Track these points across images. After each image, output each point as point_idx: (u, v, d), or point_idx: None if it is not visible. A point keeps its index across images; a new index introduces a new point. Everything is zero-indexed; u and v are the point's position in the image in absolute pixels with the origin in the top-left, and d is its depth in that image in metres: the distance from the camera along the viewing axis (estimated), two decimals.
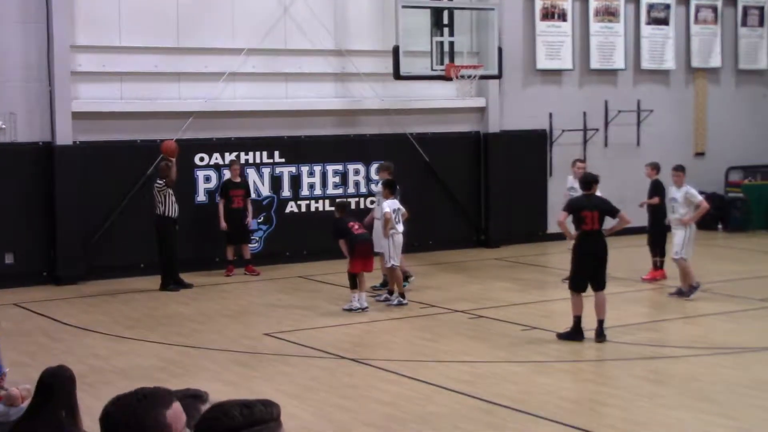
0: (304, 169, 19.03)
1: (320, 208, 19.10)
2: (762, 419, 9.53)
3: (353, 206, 18.78)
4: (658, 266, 16.69)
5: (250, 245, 17.94)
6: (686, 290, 14.84)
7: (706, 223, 22.81)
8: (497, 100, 20.77)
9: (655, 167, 16.95)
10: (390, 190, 15.02)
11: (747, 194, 23.14)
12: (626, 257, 17.61)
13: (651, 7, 22.73)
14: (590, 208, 12.25)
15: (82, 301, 15.60)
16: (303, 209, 19.05)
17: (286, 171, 18.89)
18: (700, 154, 23.63)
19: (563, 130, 21.53)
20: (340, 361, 11.71)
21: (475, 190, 20.79)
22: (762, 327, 13.32)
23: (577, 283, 12.36)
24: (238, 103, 18.42)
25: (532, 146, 21.39)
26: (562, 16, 21.55)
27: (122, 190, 17.30)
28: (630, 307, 14.44)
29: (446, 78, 18.49)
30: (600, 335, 12.21)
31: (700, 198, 14.92)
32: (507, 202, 20.72)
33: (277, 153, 18.77)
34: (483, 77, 19.20)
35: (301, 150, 18.97)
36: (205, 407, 3.72)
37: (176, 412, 3.20)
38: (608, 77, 22.38)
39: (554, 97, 21.61)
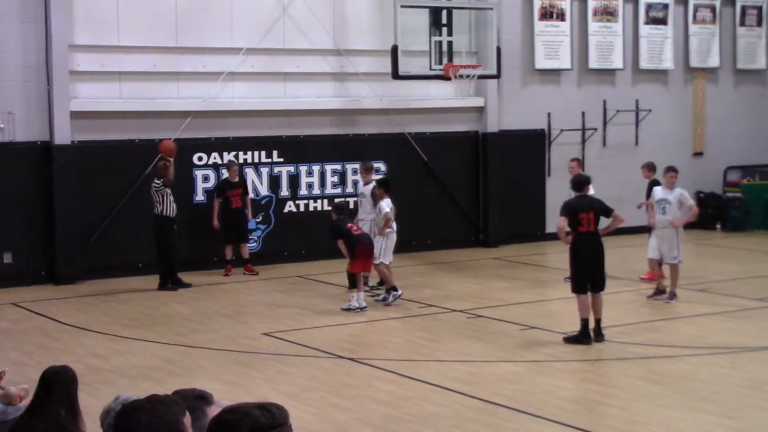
0: (303, 168, 19.03)
1: (319, 208, 19.10)
2: (760, 419, 9.54)
3: (351, 206, 18.76)
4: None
5: (248, 245, 17.94)
6: (675, 294, 14.76)
7: (704, 222, 22.89)
8: (496, 100, 20.77)
9: (651, 167, 16.94)
10: (385, 188, 15.07)
11: (745, 194, 23.14)
12: (624, 257, 17.62)
13: (649, 6, 22.73)
14: (586, 210, 12.25)
15: (80, 301, 15.59)
16: (301, 209, 19.05)
17: (285, 170, 18.89)
18: (698, 154, 23.64)
19: (562, 130, 21.53)
20: (338, 360, 11.71)
21: (473, 190, 20.79)
22: (760, 327, 13.33)
23: (579, 286, 12.30)
24: (236, 102, 18.42)
25: (531, 146, 21.40)
26: (561, 16, 21.55)
27: (121, 190, 17.29)
28: (628, 306, 14.44)
29: (445, 78, 18.48)
30: (598, 334, 12.22)
31: (692, 201, 14.85)
32: (505, 202, 20.73)
33: (275, 152, 18.76)
34: (481, 77, 19.19)
35: (300, 149, 18.96)
36: (210, 409, 3.72)
37: (188, 420, 3.23)
38: (607, 77, 22.38)
39: (553, 97, 21.61)
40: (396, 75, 18.20)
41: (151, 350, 12.24)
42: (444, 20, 18.69)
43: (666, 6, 22.91)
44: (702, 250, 20.02)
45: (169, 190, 16.15)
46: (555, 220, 20.81)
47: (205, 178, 18.12)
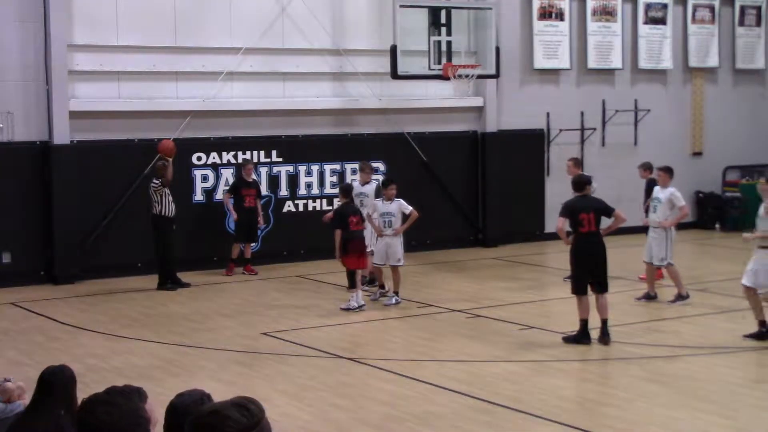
0: (302, 168, 19.02)
1: (318, 208, 19.09)
2: (759, 418, 9.53)
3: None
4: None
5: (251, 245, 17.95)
6: (684, 294, 14.72)
7: (703, 222, 22.90)
8: (495, 100, 20.77)
9: (648, 167, 16.93)
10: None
11: (744, 194, 23.13)
12: (623, 257, 17.60)
13: (648, 6, 22.73)
14: (586, 210, 12.19)
15: (79, 301, 15.58)
16: (300, 208, 19.04)
17: (284, 170, 18.88)
18: (697, 154, 23.64)
19: (561, 130, 21.53)
20: (338, 360, 11.70)
21: (472, 190, 20.79)
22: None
23: (579, 287, 12.24)
24: (235, 102, 18.41)
25: (530, 146, 21.40)
26: (560, 16, 21.55)
27: (119, 190, 17.28)
28: (627, 306, 14.43)
29: (444, 77, 18.47)
30: (605, 335, 12.11)
31: (683, 202, 14.77)
32: (504, 202, 20.72)
33: (274, 152, 18.76)
34: (480, 77, 19.18)
35: (299, 149, 18.96)
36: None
37: (151, 406, 3.27)
38: (606, 77, 22.38)
39: (552, 97, 21.61)
40: (395, 75, 18.20)
41: (149, 350, 12.23)
42: (443, 20, 18.67)
43: (665, 6, 22.91)
44: (701, 250, 20.02)
45: (167, 190, 16.14)
46: (554, 220, 20.89)
47: (204, 178, 18.11)
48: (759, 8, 24.42)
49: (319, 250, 18.03)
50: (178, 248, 16.64)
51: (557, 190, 21.04)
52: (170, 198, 16.18)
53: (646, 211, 16.64)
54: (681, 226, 19.08)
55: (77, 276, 16.88)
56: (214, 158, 18.18)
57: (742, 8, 24.17)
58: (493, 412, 9.60)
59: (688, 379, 10.73)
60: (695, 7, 23.44)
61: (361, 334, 13.35)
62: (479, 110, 20.80)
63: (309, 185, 19.11)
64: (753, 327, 12.45)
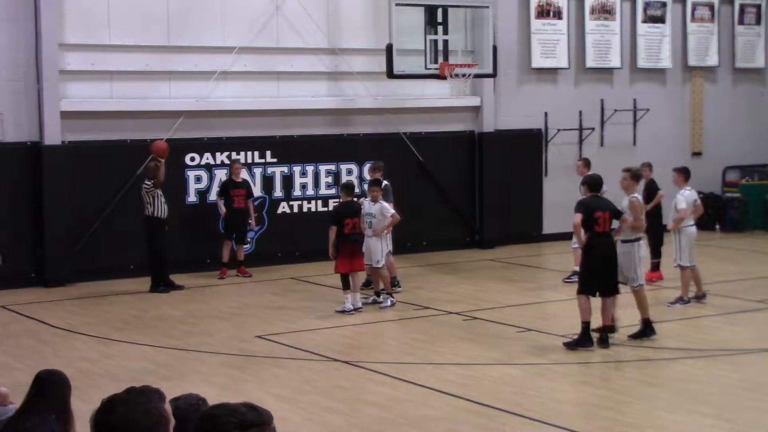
0: (297, 169, 19.02)
1: (313, 209, 19.09)
2: (759, 422, 9.54)
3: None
4: (655, 267, 16.71)
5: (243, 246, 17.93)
6: (686, 299, 14.71)
7: (703, 223, 22.88)
8: (492, 99, 20.78)
9: (648, 167, 16.95)
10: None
11: (744, 194, 23.16)
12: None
13: (647, 5, 22.75)
14: (602, 209, 12.16)
15: (70, 303, 15.56)
16: (295, 210, 19.03)
17: (278, 171, 18.87)
18: (696, 154, 23.66)
19: (558, 130, 21.54)
20: (332, 363, 11.70)
21: (469, 190, 20.79)
22: (759, 328, 13.34)
23: (588, 287, 12.13)
24: (229, 102, 18.40)
25: (527, 146, 21.40)
26: (558, 14, 21.56)
27: (112, 191, 17.26)
28: (627, 308, 14.38)
29: (440, 77, 18.47)
30: (605, 341, 12.04)
31: (682, 206, 14.75)
32: (502, 203, 20.73)
33: (269, 153, 18.75)
34: (477, 76, 19.18)
35: (294, 150, 18.95)
36: None
37: (169, 407, 3.31)
38: (604, 76, 22.39)
39: (549, 96, 21.62)
40: (391, 74, 18.19)
41: (142, 353, 12.22)
42: (439, 18, 18.68)
43: (664, 4, 22.93)
44: (701, 252, 19.92)
45: (159, 191, 16.13)
46: (552, 221, 20.97)
47: (198, 179, 18.10)
48: (759, 6, 24.45)
49: (313, 252, 18.02)
50: (171, 250, 16.62)
51: (555, 191, 21.09)
52: (163, 199, 16.17)
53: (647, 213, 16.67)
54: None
55: (68, 278, 16.86)
56: (207, 159, 18.17)
57: (742, 6, 24.20)
58: (491, 415, 9.60)
59: (688, 381, 10.75)
60: (694, 6, 23.47)
61: (357, 337, 13.35)
62: (476, 110, 20.81)
63: (304, 186, 19.10)
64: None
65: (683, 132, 23.57)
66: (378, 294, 14.99)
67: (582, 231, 12.15)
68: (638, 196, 12.86)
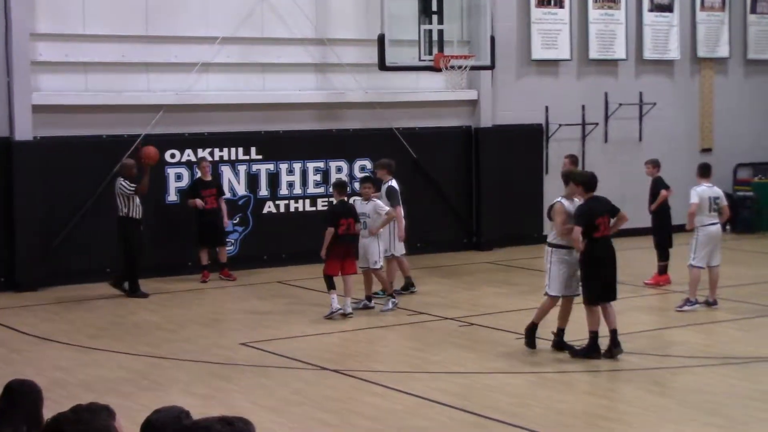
0: (283, 166, 19.02)
1: (300, 209, 19.10)
2: None
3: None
4: (662, 271, 16.75)
5: (225, 248, 17.92)
6: (693, 300, 14.75)
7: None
8: (490, 93, 20.81)
9: (656, 164, 17.00)
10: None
11: (757, 193, 23.22)
12: (628, 260, 17.63)
13: None
14: (602, 214, 12.11)
15: (43, 309, 15.54)
16: (282, 209, 19.04)
17: (264, 169, 18.88)
18: (706, 150, 23.70)
19: (560, 125, 21.57)
20: (322, 372, 11.71)
21: (466, 189, 20.82)
22: None
23: (594, 296, 12.07)
24: (211, 95, 18.40)
25: (527, 142, 21.44)
26: (559, 3, 21.60)
27: (87, 189, 17.24)
28: (632, 313, 14.46)
29: (435, 69, 18.50)
30: (616, 346, 11.96)
31: (691, 200, 14.75)
32: (500, 202, 20.76)
33: (253, 149, 18.75)
34: (474, 68, 19.21)
35: (280, 146, 18.95)
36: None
37: (120, 424, 3.32)
38: (608, 68, 22.44)
39: (551, 90, 21.65)
40: (383, 66, 18.21)
41: (119, 362, 12.21)
42: (434, 7, 18.69)
43: None
44: None
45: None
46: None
47: (178, 177, 18.09)
48: None
49: (301, 254, 18.03)
50: (150, 252, 16.61)
51: (556, 190, 21.06)
52: (138, 201, 16.15)
53: (652, 212, 16.74)
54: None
55: (41, 282, 16.83)
56: (188, 156, 18.16)
57: None
58: (488, 426, 9.62)
59: (697, 391, 10.77)
60: None
61: (347, 344, 13.37)
62: (473, 104, 20.84)
63: (291, 185, 19.11)
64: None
65: (692, 127, 23.62)
66: (369, 299, 15.00)
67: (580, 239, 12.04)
68: (563, 200, 12.54)
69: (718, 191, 15.02)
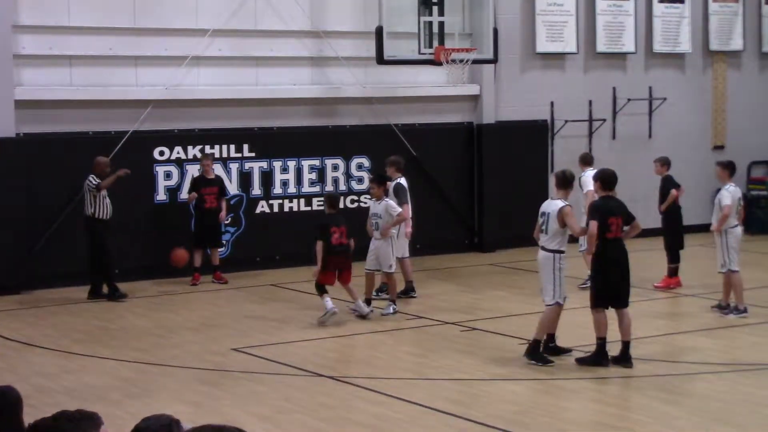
0: (277, 164, 19.03)
1: (295, 208, 19.11)
2: None
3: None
4: (673, 273, 16.76)
5: (218, 249, 17.93)
6: (742, 308, 14.71)
7: None
8: (492, 88, 20.82)
9: (665, 163, 17.00)
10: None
11: None
12: (637, 262, 17.63)
13: None
14: (616, 214, 12.09)
15: (26, 313, 15.55)
16: (275, 209, 19.04)
17: (257, 166, 18.89)
18: (719, 147, 23.72)
19: (566, 121, 21.60)
20: (316, 379, 11.71)
21: (467, 188, 20.83)
22: None
23: (602, 299, 12.05)
24: (202, 90, 18.40)
25: (532, 139, 21.45)
26: None
27: (71, 189, 17.23)
28: (642, 318, 14.45)
29: (435, 62, 18.50)
30: (627, 360, 11.95)
31: (726, 202, 14.61)
32: (503, 202, 20.77)
33: (246, 146, 18.76)
34: (476, 62, 19.21)
35: (274, 143, 18.97)
36: None
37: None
38: (617, 61, 22.46)
39: (556, 84, 21.67)
40: (381, 59, 18.22)
41: (106, 368, 12.22)
42: None
43: None
44: None
45: (104, 192, 16.08)
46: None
47: (168, 175, 18.09)
48: None
49: (295, 256, 18.04)
50: (138, 254, 16.60)
51: None
52: (107, 200, 16.15)
53: (662, 212, 16.73)
54: (699, 229, 19.18)
55: (23, 285, 16.84)
56: (178, 153, 18.17)
57: None
58: None
59: (710, 399, 10.78)
60: None
61: (343, 350, 13.38)
62: (475, 99, 20.85)
63: (285, 183, 19.12)
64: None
65: (704, 123, 23.63)
66: (368, 301, 15.00)
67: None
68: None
69: (740, 191, 15.02)
